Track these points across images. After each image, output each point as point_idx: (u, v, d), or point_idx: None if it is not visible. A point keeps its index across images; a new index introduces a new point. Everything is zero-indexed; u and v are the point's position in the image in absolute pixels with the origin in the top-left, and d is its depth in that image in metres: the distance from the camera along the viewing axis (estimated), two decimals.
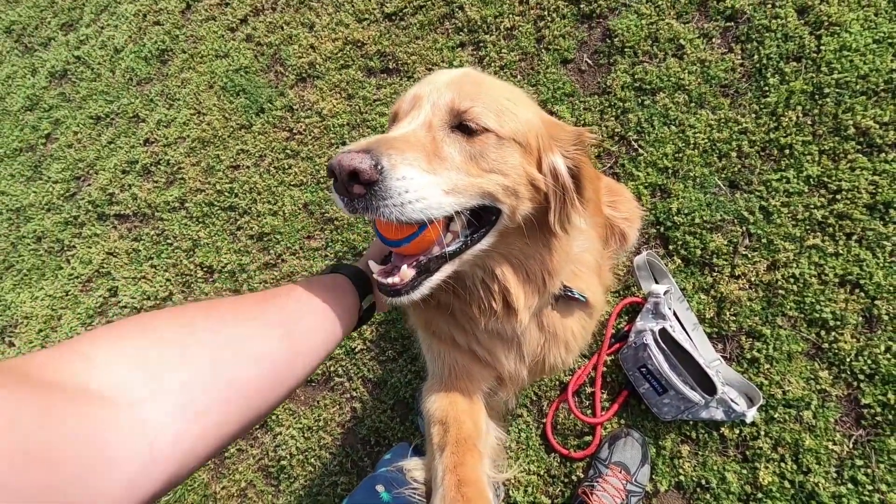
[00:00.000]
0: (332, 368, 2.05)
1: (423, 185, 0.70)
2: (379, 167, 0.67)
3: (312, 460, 1.99)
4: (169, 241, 2.53)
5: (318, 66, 2.48)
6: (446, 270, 0.81)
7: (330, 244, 2.22)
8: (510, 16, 2.18)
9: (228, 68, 2.68)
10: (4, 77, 3.37)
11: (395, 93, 2.28)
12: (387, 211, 0.67)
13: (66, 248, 2.76)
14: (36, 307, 2.67)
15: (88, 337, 0.53)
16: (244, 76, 2.63)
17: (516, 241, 0.89)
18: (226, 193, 2.48)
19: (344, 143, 2.31)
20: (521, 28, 2.16)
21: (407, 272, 0.76)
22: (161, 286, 2.44)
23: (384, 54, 2.37)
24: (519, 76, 2.13)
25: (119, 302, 2.49)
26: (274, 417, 2.05)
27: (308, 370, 0.74)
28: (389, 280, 0.77)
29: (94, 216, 2.74)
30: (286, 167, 2.40)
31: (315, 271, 2.20)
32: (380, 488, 1.03)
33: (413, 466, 1.00)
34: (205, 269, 2.41)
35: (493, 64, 2.16)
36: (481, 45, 2.21)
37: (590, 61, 2.06)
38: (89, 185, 2.82)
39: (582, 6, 2.09)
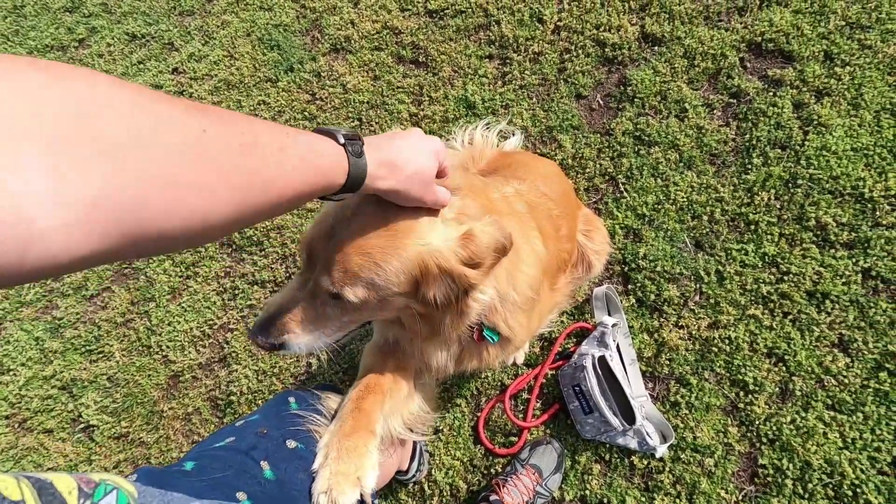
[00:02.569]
0: None
1: (306, 342, 0.97)
2: (278, 342, 0.95)
3: (259, 402, 2.11)
4: None
5: (353, 42, 2.60)
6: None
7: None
8: (540, 42, 2.32)
9: (269, 22, 2.78)
10: None
11: (419, 85, 2.41)
12: (289, 354, 1.00)
13: None
14: None
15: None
16: (282, 33, 2.74)
17: (417, 317, 1.03)
18: None
19: (360, 121, 2.44)
20: (547, 55, 2.30)
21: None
22: None
23: (417, 47, 2.50)
24: (534, 98, 2.27)
25: None
26: (233, 354, 2.17)
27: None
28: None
29: None
30: (301, 128, 2.51)
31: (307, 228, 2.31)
32: (291, 399, 1.11)
33: (329, 395, 1.15)
34: None
35: (513, 81, 2.29)
36: (508, 61, 2.34)
37: (601, 101, 2.21)
38: None
39: (607, 50, 2.23)
